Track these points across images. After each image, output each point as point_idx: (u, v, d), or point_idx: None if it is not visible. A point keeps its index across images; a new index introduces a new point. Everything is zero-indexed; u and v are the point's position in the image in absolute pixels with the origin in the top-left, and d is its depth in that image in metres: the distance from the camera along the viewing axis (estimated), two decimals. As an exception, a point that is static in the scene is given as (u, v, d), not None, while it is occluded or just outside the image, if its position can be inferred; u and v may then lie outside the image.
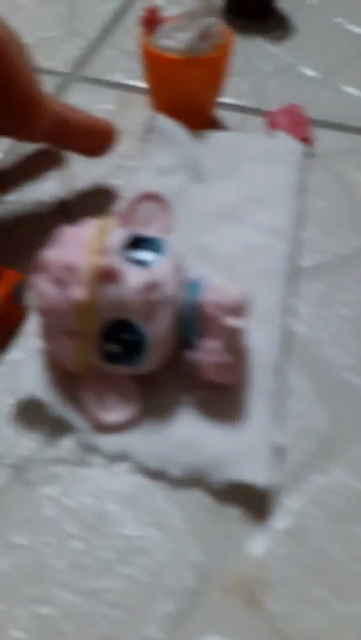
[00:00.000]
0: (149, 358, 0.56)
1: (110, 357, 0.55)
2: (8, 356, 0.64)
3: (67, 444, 0.57)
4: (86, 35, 1.09)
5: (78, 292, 0.52)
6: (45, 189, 0.81)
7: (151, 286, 0.53)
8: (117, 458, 0.56)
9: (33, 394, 0.58)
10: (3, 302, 0.63)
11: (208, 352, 0.56)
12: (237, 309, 0.55)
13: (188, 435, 0.57)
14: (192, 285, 0.57)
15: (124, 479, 0.56)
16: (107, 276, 0.52)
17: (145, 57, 0.84)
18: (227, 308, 0.55)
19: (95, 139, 0.77)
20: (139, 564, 0.51)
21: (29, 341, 0.64)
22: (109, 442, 0.56)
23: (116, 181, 0.82)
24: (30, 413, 0.59)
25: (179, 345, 0.58)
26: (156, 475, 0.56)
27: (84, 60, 1.04)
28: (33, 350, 0.62)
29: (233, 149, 0.85)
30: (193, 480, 0.55)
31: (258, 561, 0.51)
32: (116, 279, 0.52)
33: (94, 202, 0.80)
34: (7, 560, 0.51)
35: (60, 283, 0.53)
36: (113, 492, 0.55)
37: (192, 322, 0.56)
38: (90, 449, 0.57)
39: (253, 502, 0.54)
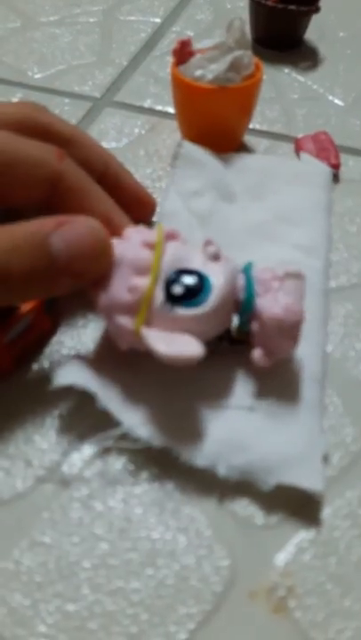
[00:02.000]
0: (211, 300, 0.56)
1: (174, 299, 0.56)
2: (36, 365, 0.64)
3: (90, 451, 0.58)
4: (118, 62, 1.12)
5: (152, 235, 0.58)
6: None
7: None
8: (164, 452, 0.56)
9: (78, 384, 0.58)
10: (34, 312, 0.64)
11: (272, 303, 0.58)
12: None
13: (238, 435, 0.57)
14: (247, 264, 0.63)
15: (150, 484, 0.56)
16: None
17: (176, 86, 0.86)
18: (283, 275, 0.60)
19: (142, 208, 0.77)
20: (164, 566, 0.51)
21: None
22: (155, 437, 0.56)
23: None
24: (59, 419, 0.60)
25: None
26: (182, 480, 0.56)
27: (115, 86, 1.06)
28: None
29: (260, 171, 0.87)
30: (219, 486, 0.55)
31: (285, 569, 0.51)
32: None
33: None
34: (34, 557, 0.51)
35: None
36: (139, 495, 0.55)
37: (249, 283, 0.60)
38: (136, 443, 0.56)
39: (282, 512, 0.55)
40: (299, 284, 0.59)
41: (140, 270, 0.57)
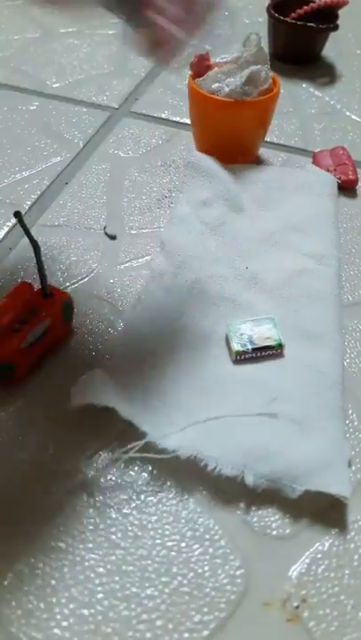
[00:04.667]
0: None
1: None
2: (53, 371, 0.65)
3: (106, 459, 0.58)
4: (136, 73, 1.13)
5: None
6: (92, 216, 0.83)
7: None
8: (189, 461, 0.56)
9: (97, 401, 0.59)
10: (54, 318, 0.65)
11: None
12: None
13: (263, 443, 0.57)
14: None
15: (165, 493, 0.56)
16: None
17: (192, 98, 0.87)
18: None
19: None
20: (179, 574, 0.51)
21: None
22: (183, 446, 0.56)
23: (158, 211, 0.85)
24: (73, 426, 0.60)
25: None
26: (197, 490, 0.56)
27: (132, 96, 1.07)
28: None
29: (266, 182, 0.88)
30: (235, 496, 0.56)
31: (299, 580, 0.51)
32: None
33: (140, 229, 0.82)
34: (49, 562, 0.51)
35: None
36: (154, 504, 0.55)
37: None
38: (162, 452, 0.56)
39: (297, 523, 0.55)
40: None
41: None
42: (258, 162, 0.92)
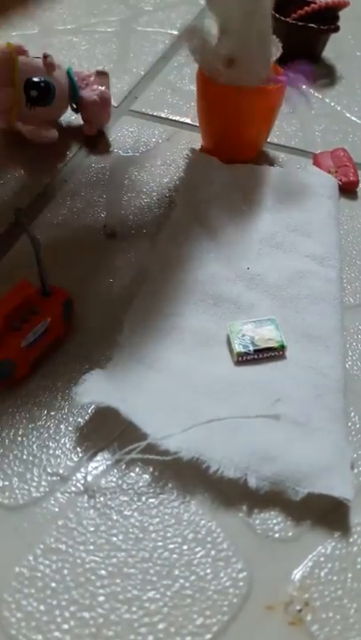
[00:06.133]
0: (57, 98, 0.88)
1: (33, 101, 0.87)
2: (52, 371, 0.64)
3: (107, 460, 0.58)
4: (135, 72, 1.12)
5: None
6: (91, 215, 0.83)
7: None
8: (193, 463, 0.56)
9: (99, 401, 0.59)
10: (54, 317, 0.64)
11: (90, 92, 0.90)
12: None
13: (266, 445, 0.57)
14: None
15: (166, 495, 0.56)
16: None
17: (202, 87, 0.87)
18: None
19: None
20: (181, 577, 0.51)
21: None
22: (184, 448, 0.56)
23: (158, 211, 0.84)
24: (74, 427, 0.60)
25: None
26: (199, 492, 0.56)
27: (132, 95, 1.07)
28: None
29: (267, 183, 0.87)
30: (237, 498, 0.55)
31: (302, 583, 0.51)
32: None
33: (139, 228, 0.81)
34: (49, 564, 0.51)
35: None
36: (155, 506, 0.55)
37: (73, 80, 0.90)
38: (163, 454, 0.56)
39: (300, 526, 0.54)
40: (105, 79, 0.94)
41: (5, 82, 0.86)
42: (259, 162, 0.92)
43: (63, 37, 1.22)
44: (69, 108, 0.95)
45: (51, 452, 0.58)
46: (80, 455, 0.58)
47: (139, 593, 0.49)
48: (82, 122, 0.96)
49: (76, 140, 0.96)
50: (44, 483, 0.56)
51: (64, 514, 0.54)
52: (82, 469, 0.57)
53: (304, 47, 1.14)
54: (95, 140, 0.96)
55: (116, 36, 1.23)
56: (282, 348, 0.65)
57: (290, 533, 0.54)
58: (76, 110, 0.95)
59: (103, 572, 0.51)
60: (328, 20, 1.11)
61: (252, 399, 0.60)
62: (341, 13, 1.12)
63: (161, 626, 0.48)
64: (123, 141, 0.96)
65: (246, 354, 0.64)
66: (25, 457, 0.58)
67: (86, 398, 0.58)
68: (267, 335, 0.65)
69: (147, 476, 0.57)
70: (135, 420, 0.57)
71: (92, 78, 0.94)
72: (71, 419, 0.60)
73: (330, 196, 0.85)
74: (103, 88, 0.93)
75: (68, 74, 0.92)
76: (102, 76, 0.95)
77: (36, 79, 0.87)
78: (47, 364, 0.65)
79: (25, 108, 0.87)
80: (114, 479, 0.56)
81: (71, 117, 0.98)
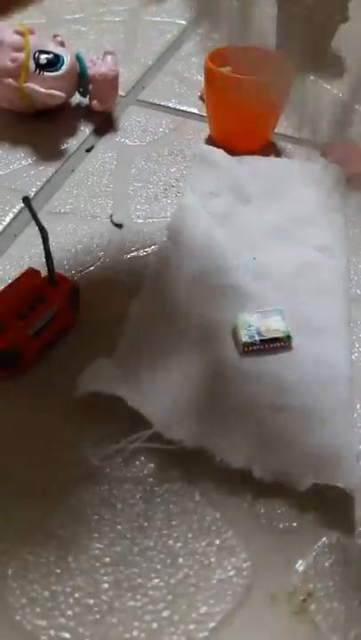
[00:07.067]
0: (64, 67, 0.92)
1: (41, 67, 0.91)
2: (59, 359, 0.64)
3: (112, 448, 0.57)
4: (143, 62, 1.12)
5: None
6: (99, 204, 0.83)
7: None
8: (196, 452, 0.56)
9: (104, 390, 0.59)
10: (60, 306, 0.64)
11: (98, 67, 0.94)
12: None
13: (271, 435, 0.57)
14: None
15: (172, 484, 0.56)
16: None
17: (211, 79, 0.87)
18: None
19: None
20: (186, 565, 0.51)
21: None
22: (190, 437, 0.56)
23: (165, 200, 0.84)
24: (80, 415, 0.60)
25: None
26: (204, 482, 0.56)
27: (140, 84, 1.06)
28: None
29: (273, 173, 0.87)
30: (242, 488, 0.55)
31: (306, 573, 0.51)
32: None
33: (146, 221, 0.81)
34: (53, 550, 0.51)
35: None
36: (160, 494, 0.55)
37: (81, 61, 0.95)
38: (168, 443, 0.56)
39: (304, 517, 0.54)
40: (114, 57, 0.96)
41: (16, 48, 0.90)
42: (266, 153, 0.92)
43: (71, 27, 1.22)
44: (77, 94, 0.98)
45: (56, 440, 0.58)
46: (85, 443, 0.58)
47: (143, 581, 0.50)
48: (90, 106, 0.97)
49: (84, 129, 0.96)
50: (49, 470, 0.56)
51: (69, 502, 0.54)
52: (87, 458, 0.57)
53: (313, 38, 1.14)
54: (103, 129, 0.95)
55: (124, 25, 1.23)
56: (288, 338, 0.64)
57: (294, 524, 0.54)
58: (83, 94, 0.98)
59: (108, 560, 0.51)
60: (337, 10, 1.10)
61: (257, 389, 0.60)
62: (351, 4, 1.11)
63: (165, 614, 0.48)
64: (130, 131, 0.96)
65: (252, 344, 0.64)
66: (32, 445, 0.58)
67: (92, 387, 0.58)
68: (273, 326, 0.65)
69: (152, 465, 0.57)
70: (140, 408, 0.57)
71: (99, 60, 0.97)
72: (76, 407, 0.60)
73: (337, 188, 0.85)
74: (111, 63, 0.97)
75: (78, 58, 0.95)
76: (110, 55, 0.97)
77: (45, 49, 0.93)
78: (53, 352, 0.65)
79: (32, 73, 0.90)
80: (119, 468, 0.56)
81: (80, 105, 0.97)
